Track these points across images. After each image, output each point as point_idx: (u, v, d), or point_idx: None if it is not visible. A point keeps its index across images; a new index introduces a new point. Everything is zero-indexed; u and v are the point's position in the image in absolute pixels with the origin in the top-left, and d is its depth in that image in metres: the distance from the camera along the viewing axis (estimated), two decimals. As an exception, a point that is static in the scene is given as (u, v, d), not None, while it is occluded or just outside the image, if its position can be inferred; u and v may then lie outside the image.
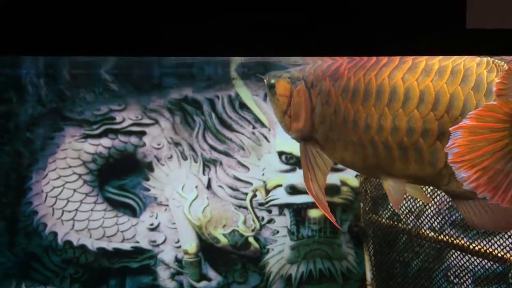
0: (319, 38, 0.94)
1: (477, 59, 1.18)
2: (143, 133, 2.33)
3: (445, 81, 1.16)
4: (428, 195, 1.73)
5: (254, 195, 2.39)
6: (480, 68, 1.16)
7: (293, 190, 2.39)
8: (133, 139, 2.33)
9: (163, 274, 2.34)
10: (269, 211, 2.40)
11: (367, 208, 2.26)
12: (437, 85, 1.17)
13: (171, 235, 2.34)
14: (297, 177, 2.37)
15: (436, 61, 1.20)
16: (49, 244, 2.24)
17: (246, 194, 2.39)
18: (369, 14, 0.93)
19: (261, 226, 2.39)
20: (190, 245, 2.35)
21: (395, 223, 2.02)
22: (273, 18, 0.93)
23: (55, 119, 2.26)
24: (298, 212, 2.42)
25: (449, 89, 1.16)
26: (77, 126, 2.28)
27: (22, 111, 2.23)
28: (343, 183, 2.40)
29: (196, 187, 2.37)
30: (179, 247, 2.34)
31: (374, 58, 1.28)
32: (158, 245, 2.33)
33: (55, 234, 2.25)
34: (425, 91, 1.17)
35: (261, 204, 2.40)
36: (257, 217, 2.39)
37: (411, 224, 1.93)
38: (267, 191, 2.40)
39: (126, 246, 2.30)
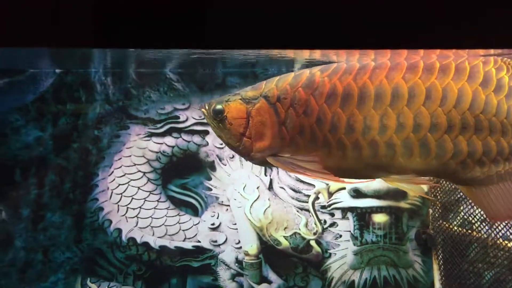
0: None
1: (481, 57, 1.25)
2: (206, 132, 2.34)
3: (451, 78, 1.24)
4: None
5: (317, 198, 2.35)
6: (487, 66, 1.24)
7: (357, 193, 2.33)
8: (196, 138, 2.34)
9: (224, 274, 2.33)
10: (332, 215, 2.35)
11: (436, 215, 2.16)
12: (443, 82, 1.24)
13: (232, 235, 2.33)
14: (361, 180, 2.30)
15: (434, 60, 1.27)
16: (113, 241, 2.28)
17: (308, 196, 2.34)
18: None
19: (323, 230, 2.34)
20: (251, 246, 2.33)
21: (468, 231, 1.91)
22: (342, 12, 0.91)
23: (121, 118, 2.31)
24: (362, 217, 2.35)
25: (456, 85, 1.24)
26: (142, 125, 2.32)
27: (90, 109, 2.29)
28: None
29: (258, 187, 2.34)
30: (240, 248, 2.33)
31: (343, 65, 1.31)
32: (219, 245, 2.33)
33: (119, 230, 2.29)
34: (431, 88, 1.25)
35: (323, 207, 2.35)
36: (319, 220, 2.34)
37: (484, 232, 1.82)
38: (330, 194, 2.34)
39: (188, 245, 2.31)
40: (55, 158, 2.25)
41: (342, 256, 2.35)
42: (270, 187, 2.35)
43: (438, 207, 2.14)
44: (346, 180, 1.35)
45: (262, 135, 1.36)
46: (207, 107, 1.42)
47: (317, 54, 1.64)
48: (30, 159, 2.23)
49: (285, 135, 1.34)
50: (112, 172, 2.30)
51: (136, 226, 2.30)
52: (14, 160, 2.22)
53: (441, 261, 2.15)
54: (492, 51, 1.29)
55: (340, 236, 2.35)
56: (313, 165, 1.31)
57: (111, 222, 2.29)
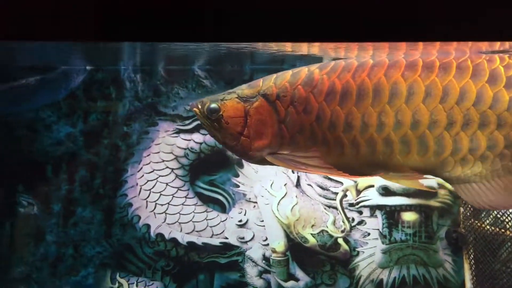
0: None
1: (484, 55, 1.26)
2: (233, 129, 2.33)
3: (452, 76, 1.24)
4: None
5: (345, 195, 2.33)
6: (493, 64, 1.24)
7: (386, 191, 2.30)
8: (224, 135, 2.34)
9: (251, 271, 2.33)
10: (360, 212, 2.33)
11: (468, 213, 2.12)
12: (443, 80, 1.24)
13: (259, 232, 2.33)
14: (390, 178, 2.28)
15: (434, 59, 1.27)
16: (142, 236, 2.31)
17: (336, 193, 2.33)
18: None
19: (351, 228, 2.32)
20: (278, 243, 2.32)
21: (501, 230, 1.87)
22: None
23: (150, 114, 2.33)
24: (391, 215, 2.32)
25: (458, 82, 1.23)
26: (170, 121, 2.34)
27: (120, 106, 2.32)
28: (441, 185, 2.27)
29: (285, 185, 2.34)
30: (267, 245, 2.33)
31: (342, 63, 1.31)
32: (246, 242, 2.33)
33: (148, 226, 2.32)
34: (431, 85, 1.24)
35: (351, 205, 2.33)
36: (347, 218, 2.32)
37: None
38: (358, 191, 2.32)
39: (215, 241, 2.32)
40: (86, 154, 2.29)
41: (370, 254, 2.32)
42: (298, 184, 2.34)
43: (469, 206, 2.10)
44: (348, 175, 1.33)
45: (261, 133, 1.35)
46: (200, 106, 1.40)
47: (341, 51, 1.63)
48: (61, 155, 2.27)
49: (285, 133, 1.34)
50: (141, 168, 2.32)
51: (164, 222, 2.32)
52: (45, 156, 2.26)
53: (473, 261, 2.11)
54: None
55: (368, 234, 2.32)
56: (315, 161, 1.31)
57: (140, 217, 2.32)
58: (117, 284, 2.29)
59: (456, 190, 1.31)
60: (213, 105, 1.38)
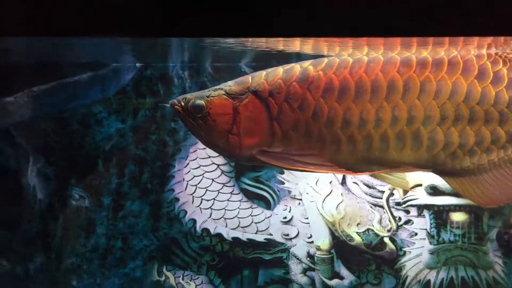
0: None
1: (473, 51, 1.29)
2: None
3: (444, 72, 1.27)
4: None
5: (391, 194, 2.30)
6: (481, 60, 1.27)
7: (434, 190, 2.26)
8: (270, 132, 2.35)
9: (295, 268, 2.33)
10: (407, 212, 2.29)
11: (520, 214, 2.05)
12: (436, 76, 1.27)
13: (304, 229, 2.32)
14: (439, 177, 2.22)
15: (426, 55, 1.29)
16: (188, 231, 2.34)
17: (382, 192, 2.30)
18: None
19: (398, 227, 2.29)
20: (323, 241, 2.31)
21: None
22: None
23: (197, 111, 2.36)
24: (439, 215, 2.27)
25: (450, 78, 1.27)
26: (217, 117, 2.36)
27: (168, 102, 2.36)
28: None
29: (330, 182, 2.33)
30: (312, 242, 2.32)
31: (336, 59, 1.32)
32: (290, 239, 2.33)
33: (194, 221, 2.35)
34: (425, 81, 1.27)
35: (398, 204, 2.29)
36: (394, 217, 2.29)
37: None
38: (406, 191, 2.28)
39: (260, 237, 2.33)
40: (135, 149, 2.34)
41: (417, 254, 2.28)
42: (343, 182, 2.32)
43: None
44: (350, 172, 1.35)
45: (251, 131, 1.33)
46: (183, 103, 1.37)
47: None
48: (111, 150, 2.33)
49: (277, 131, 1.32)
50: (188, 163, 2.36)
51: (210, 217, 2.35)
52: (97, 150, 2.33)
53: (526, 263, 2.04)
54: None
55: (416, 234, 2.29)
56: (313, 159, 1.30)
57: (186, 212, 2.35)
58: (163, 277, 2.34)
59: (448, 183, 1.35)
60: (199, 102, 1.34)
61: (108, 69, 2.25)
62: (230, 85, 1.37)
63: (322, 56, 1.43)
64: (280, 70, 1.36)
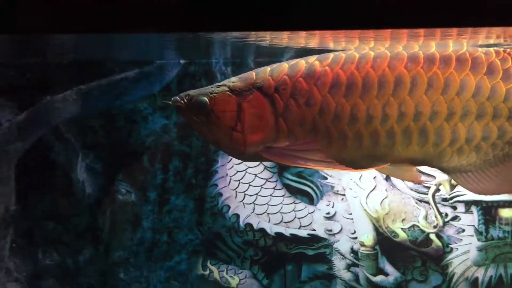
0: None
1: (480, 48, 1.29)
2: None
3: (453, 68, 1.26)
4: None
5: (438, 189, 2.25)
6: (489, 57, 1.27)
7: (482, 186, 2.19)
8: (313, 127, 2.34)
9: (339, 264, 2.32)
10: (454, 208, 2.25)
11: None
12: (444, 72, 1.26)
13: (347, 225, 2.31)
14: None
15: (434, 51, 1.28)
16: (232, 225, 2.37)
17: (428, 187, 2.26)
18: None
19: (444, 223, 2.25)
20: (367, 237, 2.29)
21: None
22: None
23: (240, 106, 2.37)
24: (488, 211, 2.22)
25: (458, 74, 1.25)
26: (260, 113, 2.37)
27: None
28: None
29: (374, 177, 2.30)
30: (355, 238, 2.30)
31: (342, 54, 1.30)
32: (334, 235, 2.32)
33: (237, 216, 2.37)
34: (433, 77, 1.26)
35: (444, 200, 2.25)
36: (440, 213, 2.25)
37: None
38: (452, 186, 2.24)
39: (303, 233, 2.33)
40: (179, 145, 2.38)
41: (464, 251, 2.24)
42: (388, 178, 2.29)
43: None
44: (351, 169, 1.32)
45: (256, 128, 1.31)
46: (185, 100, 1.33)
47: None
48: (156, 146, 2.38)
49: (283, 127, 1.30)
50: (231, 159, 2.38)
51: (253, 212, 2.37)
52: (142, 146, 2.38)
53: None
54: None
55: (463, 230, 2.24)
56: (315, 155, 1.28)
57: (229, 207, 2.38)
58: (208, 271, 2.37)
59: (453, 179, 1.35)
60: (202, 99, 1.32)
61: (153, 66, 2.30)
62: (234, 81, 1.35)
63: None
64: (285, 66, 1.33)
